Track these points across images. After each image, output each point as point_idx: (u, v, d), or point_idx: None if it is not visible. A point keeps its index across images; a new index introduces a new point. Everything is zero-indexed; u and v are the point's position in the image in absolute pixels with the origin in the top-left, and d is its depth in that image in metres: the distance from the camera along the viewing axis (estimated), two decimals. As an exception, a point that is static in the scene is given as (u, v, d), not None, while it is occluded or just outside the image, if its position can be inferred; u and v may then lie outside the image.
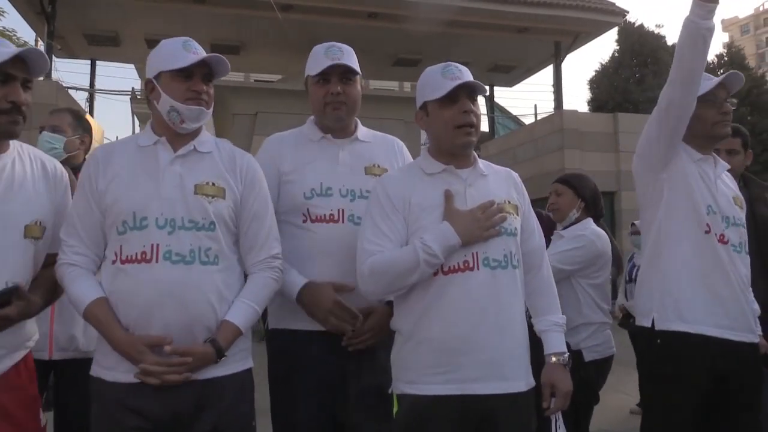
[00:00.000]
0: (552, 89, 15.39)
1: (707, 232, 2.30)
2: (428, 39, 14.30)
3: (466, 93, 1.95)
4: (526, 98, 46.34)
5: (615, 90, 25.16)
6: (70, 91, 13.02)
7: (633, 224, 6.13)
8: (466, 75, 1.96)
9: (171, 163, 1.89)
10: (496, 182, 2.06)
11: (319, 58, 2.22)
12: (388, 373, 2.04)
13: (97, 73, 15.83)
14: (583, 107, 26.96)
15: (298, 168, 2.22)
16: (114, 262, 1.83)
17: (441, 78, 1.96)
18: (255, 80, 21.06)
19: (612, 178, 13.56)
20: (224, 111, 12.96)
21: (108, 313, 1.80)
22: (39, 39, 14.78)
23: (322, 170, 2.21)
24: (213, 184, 1.91)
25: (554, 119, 14.20)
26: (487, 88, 17.68)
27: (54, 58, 13.05)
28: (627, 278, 5.88)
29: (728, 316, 2.25)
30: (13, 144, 1.98)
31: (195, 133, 1.96)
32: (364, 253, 1.93)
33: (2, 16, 18.25)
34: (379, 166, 2.30)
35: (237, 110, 12.22)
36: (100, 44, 14.56)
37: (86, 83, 15.77)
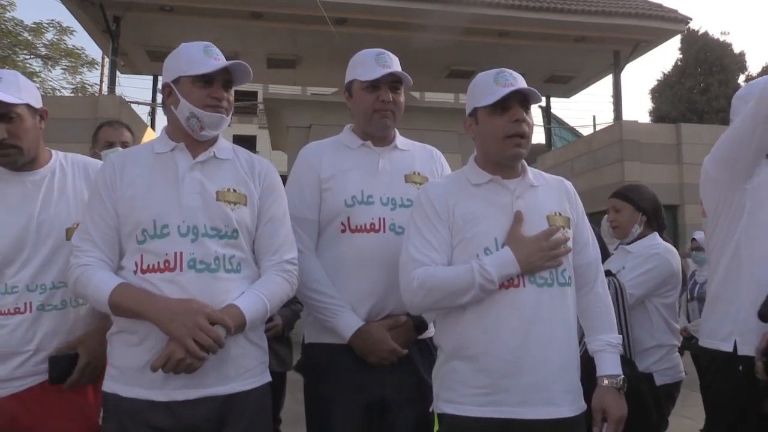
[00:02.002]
0: (611, 99, 14.95)
1: None
2: (482, 50, 14.18)
3: (518, 101, 1.86)
4: (585, 109, 45.45)
5: (678, 100, 24.43)
6: (132, 105, 13.41)
7: (693, 239, 5.81)
8: (520, 82, 1.87)
9: (191, 169, 1.85)
10: (546, 193, 1.96)
11: (370, 63, 2.18)
12: (429, 387, 1.97)
13: (158, 87, 16.33)
14: (645, 118, 26.25)
15: (337, 175, 2.17)
16: (135, 272, 1.77)
17: (493, 84, 1.87)
18: (312, 93, 21.33)
19: (675, 191, 13.07)
20: (279, 124, 13.13)
21: (140, 289, 1.73)
22: (105, 56, 15.37)
23: (362, 178, 2.17)
24: (234, 190, 1.86)
25: (613, 130, 13.78)
26: (544, 99, 17.50)
27: (117, 73, 13.52)
28: (689, 296, 5.58)
29: None
30: (56, 155, 2.07)
31: (213, 140, 1.92)
32: (412, 262, 1.86)
33: (72, 35, 19.00)
34: (419, 173, 2.24)
35: (291, 123, 12.35)
36: (161, 60, 14.94)
37: (148, 97, 16.28)
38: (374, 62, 2.18)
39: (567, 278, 1.88)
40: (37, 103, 2.00)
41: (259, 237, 1.91)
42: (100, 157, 2.92)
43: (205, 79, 1.82)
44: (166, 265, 1.74)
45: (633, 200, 3.06)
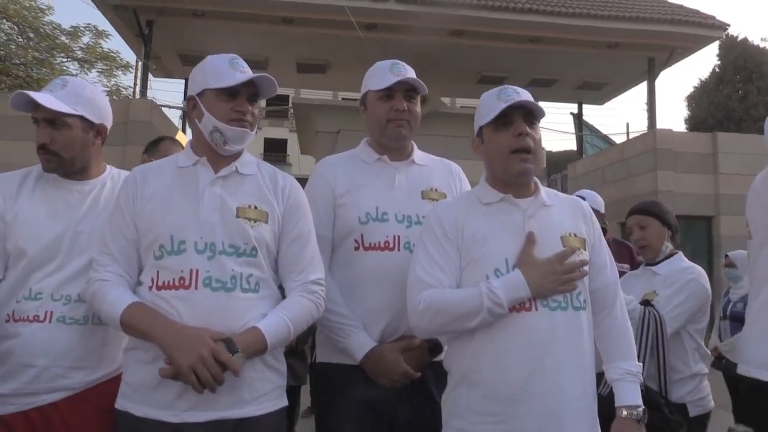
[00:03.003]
0: (645, 107, 14.68)
1: None
2: (513, 56, 14.04)
3: (521, 115, 1.80)
4: (618, 116, 44.85)
5: (715, 107, 23.93)
6: (164, 109, 13.58)
7: (726, 256, 5.58)
8: (524, 97, 1.81)
9: (211, 184, 1.80)
10: (560, 213, 1.88)
11: (384, 73, 2.13)
12: (440, 410, 1.90)
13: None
14: (680, 125, 25.78)
15: (352, 190, 2.12)
16: (150, 288, 1.73)
17: (496, 101, 1.82)
18: (342, 98, 21.41)
19: (710, 201, 12.75)
20: (308, 128, 13.17)
21: (153, 310, 1.68)
22: (138, 59, 15.60)
23: (377, 194, 2.11)
24: (256, 207, 1.81)
25: (647, 138, 13.49)
26: (575, 105, 17.26)
27: (150, 77, 13.70)
28: (721, 314, 5.39)
29: None
30: (109, 170, 2.07)
31: (237, 154, 1.87)
32: (419, 283, 1.81)
33: (107, 38, 19.38)
34: (436, 190, 2.18)
35: (320, 128, 12.39)
36: (192, 64, 15.14)
37: (179, 101, 16.47)
38: (388, 71, 2.13)
39: (582, 302, 1.80)
40: (97, 118, 1.99)
41: (284, 256, 1.86)
42: None
43: (230, 92, 1.78)
44: (181, 282, 1.69)
45: (658, 215, 2.87)
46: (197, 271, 1.69)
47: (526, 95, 1.82)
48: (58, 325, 1.85)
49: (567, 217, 1.88)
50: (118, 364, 1.94)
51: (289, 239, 1.86)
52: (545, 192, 1.91)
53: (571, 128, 17.49)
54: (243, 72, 1.81)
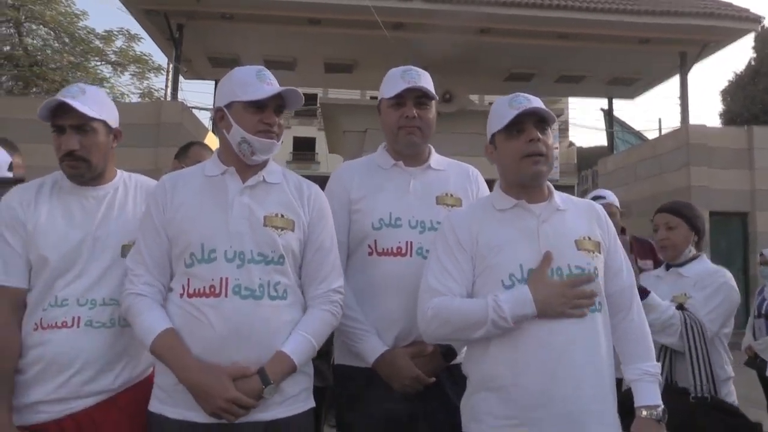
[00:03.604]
0: (678, 101, 14.40)
1: None
2: (542, 52, 13.92)
3: (533, 121, 1.83)
4: (651, 111, 44.02)
5: (751, 101, 23.38)
6: (194, 111, 13.79)
7: (762, 254, 5.46)
8: (535, 103, 1.83)
9: (240, 193, 1.85)
10: (574, 217, 1.89)
11: (395, 80, 2.14)
12: (458, 413, 1.92)
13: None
14: (714, 120, 25.25)
15: (367, 196, 2.15)
16: (181, 295, 1.78)
17: (508, 108, 1.84)
18: (370, 97, 21.47)
19: (745, 197, 12.50)
20: (336, 128, 13.25)
21: (181, 343, 1.74)
22: (169, 62, 15.87)
23: (391, 199, 2.13)
24: (282, 215, 1.85)
25: (679, 134, 13.26)
26: (606, 101, 17.04)
27: (180, 79, 13.93)
28: (756, 313, 5.27)
29: None
30: (120, 174, 2.09)
31: (263, 163, 1.91)
32: (429, 290, 1.84)
33: (140, 41, 19.73)
34: (452, 195, 2.19)
35: (347, 127, 12.47)
36: (222, 66, 15.36)
37: (209, 102, 16.68)
38: (399, 78, 2.14)
39: (597, 304, 1.81)
40: (114, 123, 2.04)
41: (307, 265, 1.90)
42: None
43: (258, 105, 1.82)
44: (212, 290, 1.74)
45: (688, 218, 2.81)
46: (227, 279, 1.74)
47: (537, 102, 1.84)
48: (86, 330, 1.87)
49: (581, 221, 1.89)
50: (145, 366, 1.99)
51: (313, 248, 1.90)
52: (559, 196, 1.92)
53: (602, 124, 17.28)
54: (270, 84, 1.84)
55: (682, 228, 2.78)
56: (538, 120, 1.83)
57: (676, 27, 12.92)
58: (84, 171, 1.96)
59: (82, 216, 1.96)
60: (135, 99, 19.93)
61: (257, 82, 1.83)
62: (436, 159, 2.26)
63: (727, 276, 2.70)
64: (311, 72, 15.54)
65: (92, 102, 1.94)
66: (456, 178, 2.25)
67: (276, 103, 1.85)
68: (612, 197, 3.74)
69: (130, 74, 20.20)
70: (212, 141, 13.20)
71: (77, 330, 1.86)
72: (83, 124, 1.93)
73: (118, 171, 2.10)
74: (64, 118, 1.91)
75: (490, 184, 2.29)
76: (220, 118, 1.89)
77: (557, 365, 1.71)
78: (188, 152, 3.28)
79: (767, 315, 5.05)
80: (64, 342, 1.84)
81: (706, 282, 2.67)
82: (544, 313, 1.71)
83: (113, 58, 19.74)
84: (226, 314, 1.72)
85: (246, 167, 1.88)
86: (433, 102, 2.19)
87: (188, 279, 1.77)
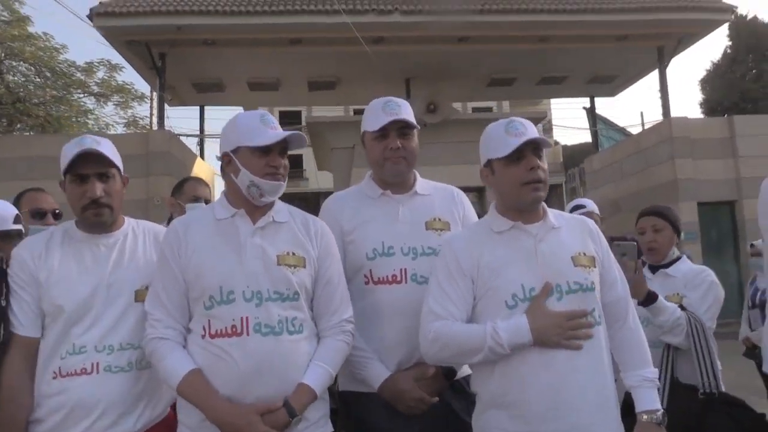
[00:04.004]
0: (659, 95, 14.58)
1: None
2: (522, 56, 14.09)
3: (531, 149, 1.88)
4: (632, 106, 44.38)
5: (730, 89, 23.72)
6: (181, 138, 13.82)
7: (752, 245, 5.55)
8: (531, 130, 1.90)
9: (252, 235, 1.91)
10: (569, 234, 1.96)
11: (377, 113, 2.21)
12: (469, 427, 1.98)
13: (206, 117, 16.80)
14: (695, 110, 25.53)
15: (359, 227, 2.21)
16: (203, 336, 1.84)
17: (505, 135, 1.90)
18: (354, 110, 21.56)
19: (731, 186, 12.67)
20: (323, 145, 13.32)
21: (207, 383, 1.80)
22: (153, 90, 15.90)
23: (382, 229, 2.20)
24: (293, 253, 1.93)
25: (662, 128, 13.43)
26: (588, 100, 17.22)
27: (165, 106, 13.97)
28: (750, 304, 5.36)
29: None
30: (128, 221, 2.14)
31: (271, 204, 1.98)
32: (430, 314, 1.90)
33: (121, 71, 19.76)
34: (440, 219, 2.25)
35: (335, 144, 12.53)
36: (206, 91, 15.45)
37: (195, 127, 16.73)
38: (381, 111, 2.20)
39: (597, 317, 1.88)
40: (123, 170, 2.09)
41: (318, 298, 1.97)
42: (183, 209, 3.07)
43: (264, 150, 1.89)
44: (234, 330, 1.80)
45: (672, 221, 2.92)
46: (247, 318, 1.81)
47: (531, 128, 1.91)
48: (106, 375, 1.91)
49: (575, 237, 1.96)
50: (165, 405, 2.04)
51: (322, 282, 1.97)
52: (552, 214, 1.98)
53: (585, 122, 17.45)
54: (273, 128, 1.92)
55: (667, 230, 2.90)
56: (536, 146, 1.89)
57: (652, 22, 13.13)
58: (107, 218, 2.01)
59: (94, 264, 2.00)
60: (120, 129, 19.94)
61: (262, 126, 1.90)
62: (421, 184, 2.33)
63: (713, 274, 2.84)
64: (295, 91, 15.66)
65: (108, 150, 2.00)
66: (441, 201, 2.32)
67: (280, 146, 1.92)
68: (592, 205, 3.86)
69: (114, 104, 20.21)
70: (200, 167, 13.25)
71: (96, 376, 1.90)
72: (106, 171, 1.98)
73: (126, 218, 2.14)
74: (87, 167, 1.96)
75: (473, 190, 2.36)
76: (227, 162, 1.95)
77: (564, 379, 1.77)
78: (183, 188, 3.34)
79: (761, 305, 5.10)
80: (84, 388, 1.88)
81: (696, 281, 2.79)
82: (540, 342, 1.77)
83: (96, 89, 19.72)
84: (249, 352, 1.78)
85: (254, 208, 1.95)
86: (415, 131, 2.26)
87: (209, 320, 1.83)
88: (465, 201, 2.39)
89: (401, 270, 2.14)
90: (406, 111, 2.22)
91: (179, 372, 1.80)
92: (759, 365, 4.91)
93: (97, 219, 1.99)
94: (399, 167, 2.21)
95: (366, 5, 12.35)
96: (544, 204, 1.97)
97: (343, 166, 12.58)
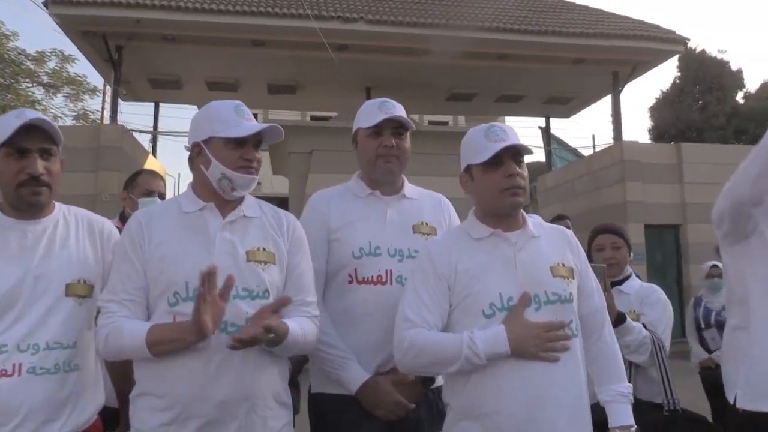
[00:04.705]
0: (611, 119, 15.01)
1: None
2: (482, 73, 14.28)
3: (510, 155, 1.85)
4: (585, 128, 45.61)
5: (677, 118, 24.56)
6: (134, 133, 13.49)
7: (716, 266, 5.36)
8: (511, 136, 1.86)
9: (221, 229, 1.83)
10: (548, 244, 1.93)
11: (373, 111, 2.20)
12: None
13: (160, 114, 16.43)
14: (643, 135, 26.40)
15: (346, 226, 2.17)
16: None
17: (484, 140, 1.86)
18: (311, 117, 21.45)
19: (677, 210, 13.10)
20: (280, 150, 13.17)
21: (172, 324, 1.71)
22: (106, 84, 15.50)
23: (370, 229, 2.16)
24: (264, 249, 1.85)
25: (614, 150, 13.82)
26: (543, 119, 17.57)
27: (119, 101, 13.63)
28: (703, 325, 5.45)
29: None
30: (59, 207, 1.95)
31: (241, 198, 1.90)
32: (405, 321, 1.84)
33: (74, 62, 19.17)
34: (426, 224, 2.24)
35: (293, 149, 12.39)
36: (163, 87, 15.13)
37: (149, 124, 16.36)
38: (377, 109, 2.19)
39: (574, 329, 1.85)
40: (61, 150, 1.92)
41: (286, 290, 1.89)
42: (135, 203, 2.95)
43: (238, 141, 1.81)
44: None
45: (626, 239, 3.02)
46: None
47: (512, 134, 1.87)
48: (29, 378, 1.71)
49: (555, 247, 1.93)
50: (91, 412, 1.89)
51: (293, 276, 1.91)
52: (532, 224, 1.95)
53: (539, 141, 17.80)
54: (249, 119, 1.85)
55: (624, 248, 2.98)
56: (515, 152, 1.86)
57: (609, 48, 13.49)
58: (45, 199, 1.83)
59: (20, 252, 1.80)
60: (69, 122, 19.35)
61: (236, 117, 1.82)
62: (409, 188, 2.31)
63: (663, 292, 2.94)
64: (254, 93, 15.47)
65: (53, 126, 1.83)
66: (430, 207, 2.30)
67: (255, 139, 1.85)
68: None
69: (64, 96, 19.64)
70: (152, 165, 12.95)
71: (18, 378, 1.70)
72: (49, 148, 1.82)
73: (56, 204, 1.95)
74: (29, 141, 1.77)
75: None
76: (197, 153, 1.87)
77: (541, 391, 1.73)
78: (136, 181, 3.20)
79: (718, 325, 5.16)
80: (4, 392, 1.68)
81: (651, 300, 2.87)
82: (518, 353, 1.73)
83: (46, 79, 19.14)
84: (214, 351, 1.69)
85: (224, 202, 1.87)
86: (408, 133, 2.24)
87: (173, 318, 1.73)
88: (451, 209, 2.38)
89: (387, 271, 2.11)
90: (401, 111, 2.22)
91: (142, 328, 1.70)
92: (710, 386, 4.98)
93: (34, 198, 1.80)
94: (391, 166, 2.19)
95: (332, 11, 12.31)
96: (524, 212, 1.95)
97: (300, 172, 12.45)
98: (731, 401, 2.05)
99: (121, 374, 2.05)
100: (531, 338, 1.74)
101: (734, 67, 25.60)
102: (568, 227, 2.27)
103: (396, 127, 2.20)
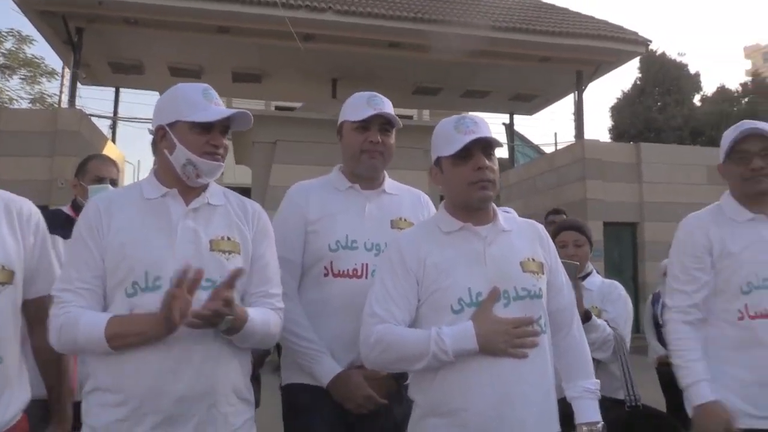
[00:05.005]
0: (573, 117, 15.27)
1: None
2: (449, 68, 14.34)
3: (480, 148, 1.80)
4: (548, 126, 46.26)
5: (637, 118, 25.05)
6: (93, 119, 13.16)
7: None
8: (481, 128, 1.82)
9: (184, 217, 1.75)
10: (519, 238, 1.90)
11: (361, 105, 2.17)
12: (402, 429, 1.94)
13: (120, 100, 16.09)
14: (604, 134, 26.94)
15: (324, 218, 2.15)
16: None
17: (454, 132, 1.81)
18: (276, 107, 21.25)
19: (635, 209, 13.38)
20: (244, 139, 13.03)
21: (133, 316, 1.63)
22: (65, 67, 15.08)
23: (348, 222, 2.15)
24: (228, 238, 1.78)
25: (575, 148, 14.06)
26: (507, 116, 17.76)
27: (78, 85, 13.28)
28: (661, 321, 5.57)
29: None
30: None
31: (205, 185, 1.83)
32: (372, 316, 1.80)
33: (31, 44, 18.62)
34: (405, 219, 2.22)
35: (257, 138, 12.26)
36: (123, 72, 14.80)
37: (109, 109, 16.01)
38: (365, 104, 2.16)
39: (543, 325, 1.82)
40: None
41: (249, 277, 1.82)
42: (86, 191, 2.81)
43: (205, 126, 1.74)
44: None
45: (588, 236, 3.04)
46: None
47: (483, 126, 1.83)
48: None
49: (525, 242, 1.90)
50: (16, 410, 1.75)
51: (257, 266, 1.84)
52: (503, 218, 1.91)
53: (503, 138, 17.98)
54: (217, 104, 1.78)
55: (586, 246, 3.00)
56: (485, 145, 1.81)
57: (573, 47, 13.71)
58: None
59: None
60: (25, 105, 18.82)
61: (204, 101, 1.76)
62: (389, 183, 2.29)
63: (623, 288, 2.99)
64: (218, 80, 15.21)
65: None
66: (409, 203, 2.29)
67: (222, 125, 1.78)
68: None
69: (20, 78, 19.07)
70: (110, 151, 12.67)
71: None
72: None
73: None
74: None
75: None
76: (161, 137, 1.79)
77: (509, 388, 1.71)
78: (86, 167, 2.99)
79: None
80: None
81: (613, 296, 2.92)
82: (486, 349, 1.70)
83: (1, 60, 18.56)
84: (172, 344, 1.62)
85: (188, 189, 1.80)
86: (395, 130, 2.23)
87: (131, 310, 1.65)
88: (431, 206, 2.35)
89: (363, 265, 2.10)
90: (389, 108, 2.19)
91: (100, 320, 1.62)
92: (667, 382, 5.10)
93: None
94: (375, 162, 2.18)
95: (299, 0, 12.20)
96: (494, 206, 1.92)
97: (263, 162, 12.34)
98: None
99: (55, 369, 1.92)
100: (500, 334, 1.71)
101: (692, 70, 26.33)
102: None
103: (383, 123, 2.18)
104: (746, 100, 25.77)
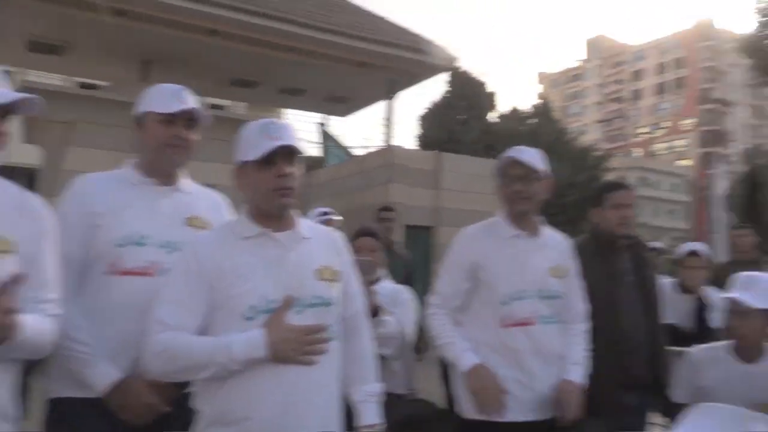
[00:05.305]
0: (384, 123, 16.03)
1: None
2: (267, 62, 14.29)
3: (283, 155, 1.83)
4: (361, 130, 47.73)
5: (442, 129, 26.88)
6: None
7: None
8: (286, 135, 1.84)
9: None
10: (317, 246, 1.95)
11: (167, 98, 2.15)
12: None
13: None
14: (413, 142, 28.54)
15: (111, 212, 2.06)
16: None
17: (259, 137, 1.83)
18: (81, 84, 19.57)
19: (432, 213, 14.32)
20: (36, 116, 11.92)
21: None
22: None
23: (138, 217, 2.08)
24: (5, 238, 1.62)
25: (384, 153, 14.74)
26: (321, 116, 18.10)
27: None
28: None
29: None
30: None
31: None
32: (159, 323, 1.77)
33: None
34: (200, 218, 2.20)
35: (53, 116, 11.23)
36: None
37: None
38: (173, 97, 2.14)
39: (334, 332, 1.88)
40: None
41: (25, 286, 1.64)
42: None
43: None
44: None
45: (383, 242, 3.34)
46: None
47: (288, 132, 1.86)
48: None
49: (322, 250, 1.94)
50: None
51: (31, 267, 1.67)
52: (304, 224, 1.96)
53: (316, 137, 18.32)
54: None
55: (379, 251, 3.25)
56: (289, 152, 1.84)
57: (386, 56, 14.35)
58: None
59: None
60: None
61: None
62: (185, 182, 2.27)
63: (409, 292, 3.32)
64: (10, 48, 13.73)
65: None
66: (205, 203, 2.28)
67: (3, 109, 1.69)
68: (335, 213, 4.29)
69: None
70: None
71: None
72: None
73: None
74: None
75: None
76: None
77: (294, 396, 1.75)
78: None
79: None
80: None
81: (401, 298, 3.23)
82: (276, 357, 1.72)
83: None
84: None
85: None
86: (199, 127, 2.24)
87: None
88: (228, 209, 2.35)
89: (153, 263, 2.03)
90: (194, 103, 2.18)
91: None
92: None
93: None
94: (177, 158, 2.16)
95: (110, -27, 11.43)
96: (294, 213, 1.95)
97: (58, 142, 11.36)
98: None
99: None
100: (290, 342, 1.74)
101: (489, 90, 28.94)
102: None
103: (189, 119, 2.17)
104: (536, 120, 28.91)
